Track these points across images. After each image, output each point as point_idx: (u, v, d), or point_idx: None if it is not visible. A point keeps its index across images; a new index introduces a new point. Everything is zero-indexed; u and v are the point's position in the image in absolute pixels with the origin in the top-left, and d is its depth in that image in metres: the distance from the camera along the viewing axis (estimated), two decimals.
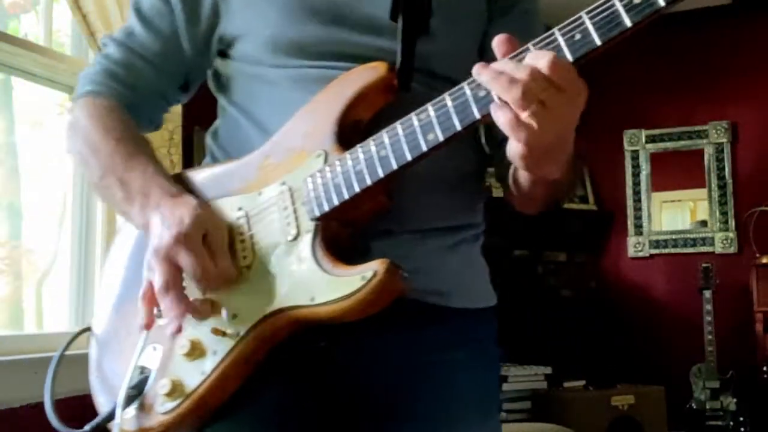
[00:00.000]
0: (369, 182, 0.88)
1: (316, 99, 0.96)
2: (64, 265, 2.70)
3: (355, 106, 0.93)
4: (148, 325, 0.95)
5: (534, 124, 0.74)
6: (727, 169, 4.62)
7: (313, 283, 0.89)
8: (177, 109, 2.62)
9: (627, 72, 4.55)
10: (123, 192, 0.98)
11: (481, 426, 1.03)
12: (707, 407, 4.08)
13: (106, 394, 1.02)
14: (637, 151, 4.79)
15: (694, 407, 4.11)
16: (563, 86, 0.74)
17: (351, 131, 0.92)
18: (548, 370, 3.94)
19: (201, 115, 1.77)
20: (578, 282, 4.74)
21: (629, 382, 4.13)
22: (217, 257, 0.92)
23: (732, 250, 4.54)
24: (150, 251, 0.92)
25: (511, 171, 0.99)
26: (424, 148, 0.84)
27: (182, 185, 1.01)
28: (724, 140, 4.63)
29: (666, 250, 4.71)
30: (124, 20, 2.55)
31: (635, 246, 4.77)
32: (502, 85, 0.74)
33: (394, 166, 0.86)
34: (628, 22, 0.72)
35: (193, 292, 0.95)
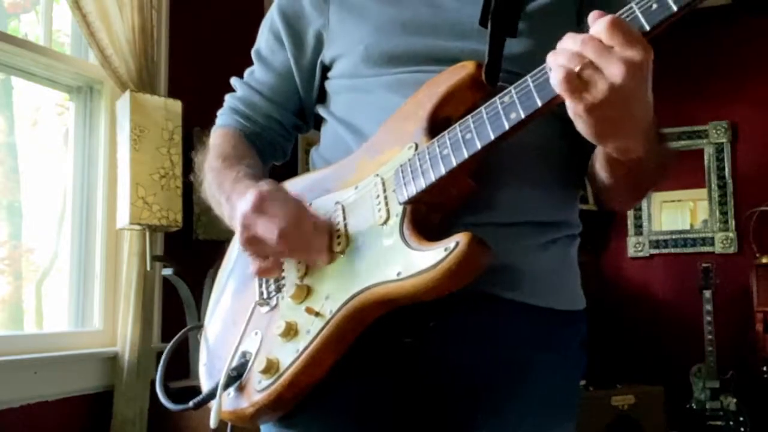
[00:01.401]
0: (455, 163, 0.91)
1: (409, 101, 1.02)
2: (64, 265, 2.71)
3: (445, 103, 0.98)
4: (260, 272, 1.02)
5: (588, 85, 0.77)
6: (727, 169, 4.62)
7: (400, 259, 0.92)
8: (177, 110, 2.62)
9: None
10: (218, 192, 1.10)
11: (559, 428, 1.04)
12: (707, 407, 4.08)
13: (212, 380, 1.08)
14: None
15: (694, 407, 4.11)
16: (615, 46, 0.76)
17: (443, 127, 0.95)
18: None
19: (200, 116, 1.77)
20: None
21: (629, 382, 4.13)
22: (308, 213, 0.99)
23: (732, 250, 4.54)
24: (238, 221, 0.99)
25: (593, 158, 1.01)
26: (506, 127, 0.87)
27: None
28: (724, 140, 4.64)
29: (666, 250, 4.71)
30: (124, 20, 2.56)
31: (635, 246, 4.77)
32: (561, 51, 0.79)
33: (478, 146, 0.89)
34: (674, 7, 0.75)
35: (290, 280, 1.03)
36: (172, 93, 2.83)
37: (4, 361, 2.25)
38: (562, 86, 0.78)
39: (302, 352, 0.97)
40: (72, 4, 2.45)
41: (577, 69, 0.77)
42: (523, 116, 0.85)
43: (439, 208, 0.97)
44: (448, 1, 1.09)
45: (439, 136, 0.94)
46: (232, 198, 1.04)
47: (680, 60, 4.71)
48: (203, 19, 3.21)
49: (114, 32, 2.55)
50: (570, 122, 1.11)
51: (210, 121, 1.30)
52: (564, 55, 0.78)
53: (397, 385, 1.02)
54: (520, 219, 1.02)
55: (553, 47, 0.90)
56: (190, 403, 1.05)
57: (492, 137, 0.88)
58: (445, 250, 0.88)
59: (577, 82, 0.77)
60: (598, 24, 0.77)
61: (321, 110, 1.22)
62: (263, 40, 1.25)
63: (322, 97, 1.22)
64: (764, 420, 4.05)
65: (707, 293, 4.12)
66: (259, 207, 0.97)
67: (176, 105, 2.62)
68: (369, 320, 0.96)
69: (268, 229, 0.96)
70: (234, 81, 1.28)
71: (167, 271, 2.70)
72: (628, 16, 0.78)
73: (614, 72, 0.76)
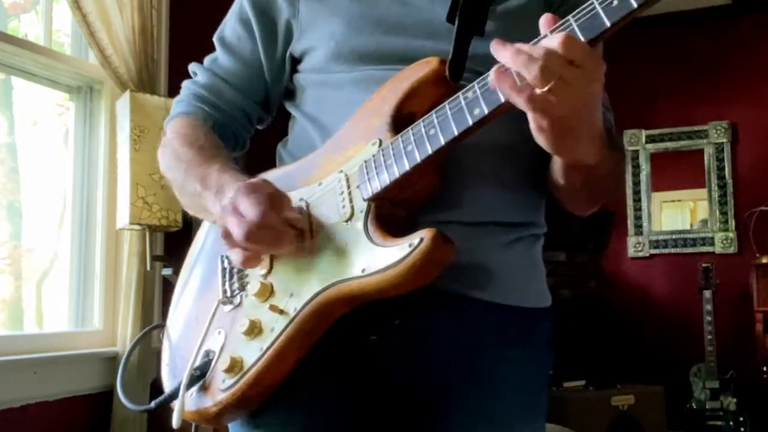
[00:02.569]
0: (418, 159, 0.91)
1: (374, 96, 1.02)
2: (64, 265, 2.71)
3: (409, 98, 0.97)
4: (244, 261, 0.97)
5: (552, 99, 0.78)
6: (727, 169, 4.62)
7: (364, 255, 0.92)
8: None
9: (627, 72, 4.55)
10: (201, 187, 1.06)
11: (524, 427, 1.04)
12: (707, 407, 4.08)
13: (175, 380, 1.07)
14: (637, 151, 4.79)
15: (694, 407, 4.11)
16: (578, 61, 0.77)
17: (407, 123, 0.95)
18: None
19: None
20: (578, 282, 4.75)
21: (629, 382, 4.13)
22: (283, 208, 0.96)
23: (732, 250, 4.54)
24: (221, 212, 0.97)
25: (551, 164, 1.02)
26: (470, 123, 0.87)
27: None
28: (724, 140, 4.63)
29: (666, 250, 4.71)
30: (124, 20, 2.56)
31: (635, 246, 4.77)
32: (523, 62, 0.78)
33: (442, 142, 0.89)
34: (634, 4, 0.76)
35: (254, 277, 1.03)
36: (172, 93, 2.83)
37: (4, 361, 2.25)
38: (529, 105, 0.79)
39: (266, 351, 0.97)
40: (72, 4, 2.45)
41: (546, 88, 0.77)
42: (486, 112, 0.85)
43: (404, 204, 0.97)
44: (420, 0, 1.08)
45: (403, 131, 0.94)
46: (224, 190, 1.00)
47: (680, 60, 4.71)
48: (203, 19, 3.20)
49: (114, 32, 2.55)
50: None
51: None
52: (530, 64, 0.78)
53: (363, 384, 1.01)
54: (487, 218, 1.03)
55: None
56: (152, 404, 1.04)
57: (455, 133, 0.88)
58: (410, 245, 0.88)
59: (542, 98, 0.78)
60: (554, 40, 0.78)
61: (289, 106, 1.20)
62: (229, 27, 1.22)
63: (290, 92, 1.21)
64: (764, 420, 4.05)
65: (707, 293, 4.12)
66: (250, 190, 0.94)
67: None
68: (334, 318, 0.96)
69: (249, 211, 0.93)
70: (194, 66, 1.24)
71: (167, 271, 2.70)
72: (588, 13, 0.79)
73: (582, 87, 0.78)
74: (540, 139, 0.84)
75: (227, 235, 0.94)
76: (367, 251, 0.92)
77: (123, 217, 2.47)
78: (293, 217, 0.96)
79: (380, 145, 0.97)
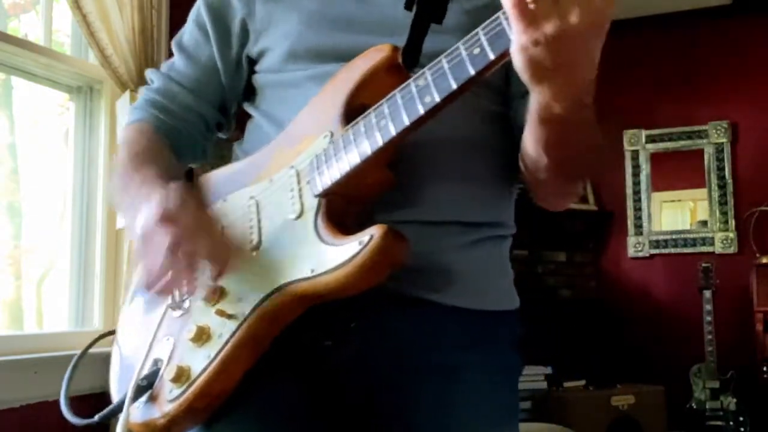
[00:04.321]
0: (369, 152, 0.87)
1: (326, 87, 0.98)
2: (64, 265, 2.71)
3: (362, 88, 0.93)
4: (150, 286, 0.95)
5: (542, 17, 0.72)
6: (727, 169, 4.62)
7: (313, 255, 0.88)
8: None
9: (627, 72, 4.55)
10: (122, 194, 1.04)
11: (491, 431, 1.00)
12: (707, 407, 4.08)
13: (123, 390, 1.01)
14: (637, 151, 4.79)
15: (694, 407, 4.11)
16: None
17: (360, 113, 0.91)
18: (548, 370, 3.94)
19: None
20: (578, 282, 4.75)
21: (629, 382, 4.13)
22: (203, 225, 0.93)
23: (732, 250, 4.54)
24: (139, 232, 0.93)
25: (522, 144, 0.96)
26: (421, 112, 0.83)
27: (200, 186, 1.06)
28: (724, 140, 4.63)
29: (666, 250, 4.71)
30: (124, 20, 2.56)
31: (635, 246, 4.77)
32: None
33: (393, 133, 0.85)
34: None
35: (203, 280, 0.97)
36: None
37: (4, 361, 2.24)
38: (514, 10, 0.73)
39: (214, 358, 0.91)
40: (72, 4, 2.45)
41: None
42: (438, 100, 0.82)
43: (357, 200, 0.93)
44: None
45: (353, 123, 0.90)
46: (136, 203, 0.96)
47: (680, 60, 4.71)
48: None
49: (114, 32, 2.54)
50: (502, 118, 1.06)
51: None
52: None
53: (318, 389, 0.97)
54: (447, 218, 0.99)
55: None
56: (96, 417, 0.99)
57: (407, 123, 0.84)
58: (360, 243, 0.83)
59: (531, 10, 0.72)
60: None
61: (247, 107, 1.17)
62: (187, 32, 1.19)
63: (249, 94, 1.17)
64: (764, 420, 4.05)
65: (707, 293, 4.12)
66: (162, 218, 0.90)
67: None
68: (285, 322, 0.92)
69: (161, 244, 0.90)
70: (150, 72, 1.21)
71: None
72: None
73: (573, 11, 0.72)
74: (516, 60, 0.76)
75: (146, 265, 0.92)
76: (317, 250, 0.88)
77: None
78: (206, 251, 0.92)
79: (332, 137, 0.93)
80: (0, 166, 2.71)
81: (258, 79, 1.13)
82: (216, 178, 1.08)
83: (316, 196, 0.91)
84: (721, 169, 4.63)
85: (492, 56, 0.79)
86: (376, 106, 0.89)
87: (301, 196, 0.93)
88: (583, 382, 4.06)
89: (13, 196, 2.77)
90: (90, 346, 1.14)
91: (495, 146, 1.05)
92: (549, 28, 0.72)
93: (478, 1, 1.03)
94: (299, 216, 0.92)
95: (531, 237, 4.25)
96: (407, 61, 0.92)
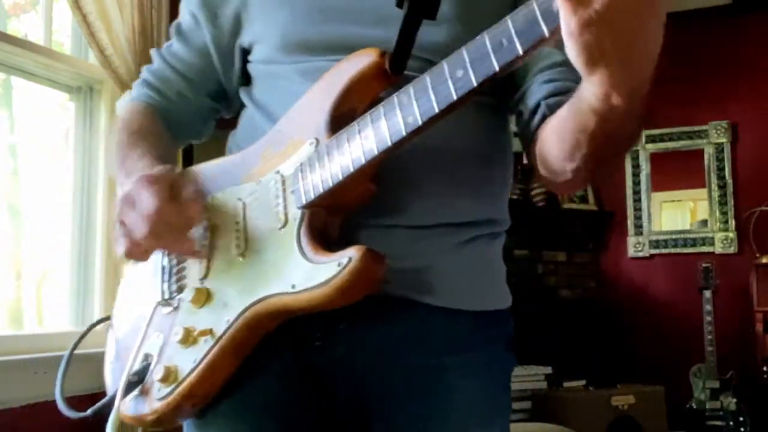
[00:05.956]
0: (351, 169, 0.88)
1: (313, 88, 0.98)
2: (64, 265, 2.71)
3: (348, 94, 0.93)
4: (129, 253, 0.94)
5: None
6: (727, 169, 4.62)
7: (295, 270, 0.90)
8: None
9: None
10: (119, 170, 1.05)
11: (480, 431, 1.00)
12: (707, 407, 4.08)
13: (115, 383, 1.05)
14: (637, 151, 4.79)
15: (694, 407, 4.11)
16: None
17: (347, 120, 0.91)
18: (548, 370, 3.94)
19: None
20: (578, 282, 4.75)
21: (629, 382, 4.13)
22: (185, 204, 0.91)
23: (732, 250, 4.54)
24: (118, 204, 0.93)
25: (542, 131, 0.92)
26: (404, 133, 0.83)
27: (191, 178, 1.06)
28: (724, 140, 4.63)
29: (666, 250, 4.71)
30: (124, 20, 2.56)
31: (635, 246, 4.77)
32: None
33: (376, 152, 0.86)
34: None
35: (191, 280, 1.00)
36: None
37: (4, 361, 2.25)
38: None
39: (199, 363, 0.94)
40: (72, 4, 2.45)
41: None
42: (420, 122, 0.82)
43: (339, 211, 0.94)
44: None
45: (338, 134, 0.90)
46: (132, 177, 0.95)
47: (680, 60, 4.71)
48: None
49: (114, 32, 2.54)
50: (495, 111, 1.04)
51: None
52: None
53: (307, 389, 0.98)
54: (435, 221, 0.98)
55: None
56: (89, 411, 1.00)
57: (389, 143, 0.84)
58: (338, 265, 0.85)
59: None
60: None
61: (242, 93, 1.16)
62: (184, 15, 1.20)
63: (245, 82, 1.16)
64: (764, 420, 4.05)
65: (707, 293, 4.12)
66: (144, 179, 0.90)
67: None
68: (267, 330, 0.94)
69: (139, 204, 0.90)
70: (153, 52, 1.23)
71: None
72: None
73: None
74: (569, 47, 0.70)
75: (122, 224, 0.91)
76: (298, 266, 0.90)
77: None
78: (192, 215, 0.92)
79: (317, 145, 0.93)
80: (0, 166, 2.71)
81: (250, 68, 1.13)
82: (208, 170, 1.08)
83: (300, 207, 0.92)
84: (721, 169, 4.63)
85: (475, 82, 0.78)
86: (361, 118, 0.88)
87: (285, 206, 0.94)
88: (583, 382, 4.06)
89: (13, 196, 2.77)
90: (89, 330, 1.18)
91: (486, 143, 1.04)
92: (598, 3, 0.67)
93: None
94: (283, 225, 0.93)
95: (531, 237, 4.24)
96: (395, 66, 0.91)
